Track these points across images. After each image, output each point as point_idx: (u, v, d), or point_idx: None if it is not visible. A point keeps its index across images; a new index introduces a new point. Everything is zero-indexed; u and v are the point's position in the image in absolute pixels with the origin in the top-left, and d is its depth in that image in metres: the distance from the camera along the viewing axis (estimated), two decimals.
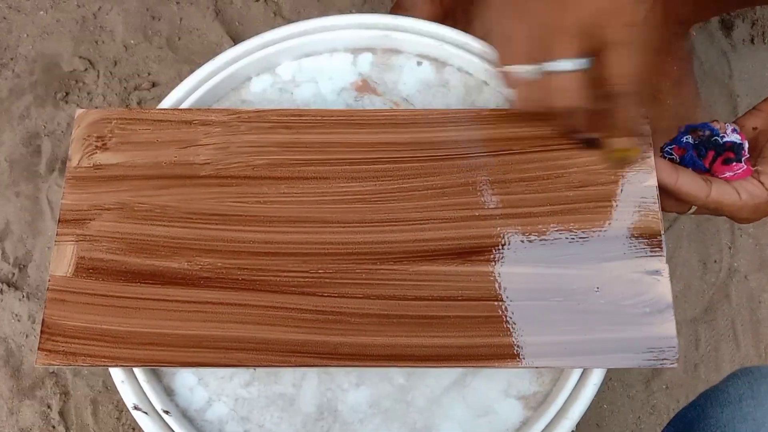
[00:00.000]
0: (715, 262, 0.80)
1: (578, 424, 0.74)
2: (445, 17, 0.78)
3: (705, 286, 0.80)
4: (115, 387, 0.77)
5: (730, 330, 0.78)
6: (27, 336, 0.79)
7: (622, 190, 0.44)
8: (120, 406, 0.77)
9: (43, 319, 0.42)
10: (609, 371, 0.76)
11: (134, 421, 0.76)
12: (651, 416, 0.76)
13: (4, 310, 0.80)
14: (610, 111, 0.41)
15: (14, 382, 0.78)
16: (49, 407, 0.77)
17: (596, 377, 0.43)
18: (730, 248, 0.81)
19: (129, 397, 0.42)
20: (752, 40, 0.89)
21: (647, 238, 0.43)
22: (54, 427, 0.77)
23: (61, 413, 0.77)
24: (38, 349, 0.41)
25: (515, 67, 0.41)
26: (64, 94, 0.86)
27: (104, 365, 0.41)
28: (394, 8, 0.80)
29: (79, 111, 0.46)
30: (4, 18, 0.90)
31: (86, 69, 0.87)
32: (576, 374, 0.43)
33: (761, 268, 0.80)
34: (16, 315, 0.80)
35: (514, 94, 0.43)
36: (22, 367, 0.79)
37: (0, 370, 0.78)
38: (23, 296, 0.80)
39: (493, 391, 0.44)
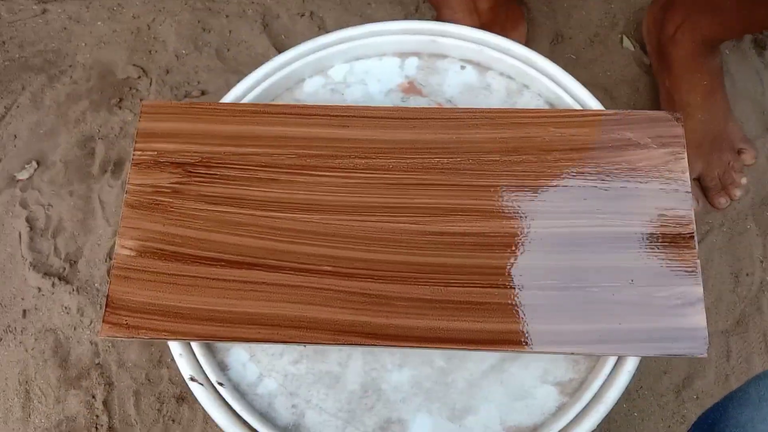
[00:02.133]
0: (747, 275, 0.81)
1: (609, 431, 0.75)
2: (486, 22, 0.81)
3: (737, 298, 0.80)
4: (157, 379, 0.80)
5: (761, 342, 0.79)
6: (75, 328, 0.83)
7: (656, 188, 0.46)
8: (161, 398, 0.80)
9: (107, 294, 0.45)
10: (640, 378, 0.77)
11: (174, 412, 0.79)
12: (681, 426, 0.76)
13: (54, 302, 0.83)
14: None
15: (61, 372, 0.81)
16: (93, 397, 0.80)
17: (630, 365, 0.44)
18: (762, 262, 0.82)
19: (186, 370, 0.45)
20: None
21: (679, 234, 0.45)
22: (97, 416, 0.80)
23: (105, 403, 0.80)
24: (102, 321, 0.44)
25: None
26: (118, 100, 0.91)
27: (164, 338, 0.44)
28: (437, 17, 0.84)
29: (144, 102, 0.50)
30: (65, 28, 0.95)
31: (139, 77, 0.92)
32: (611, 362, 0.45)
33: None
34: (66, 308, 0.83)
35: None
36: (70, 357, 0.82)
37: (49, 359, 0.82)
38: (73, 290, 0.84)
39: (530, 377, 0.46)
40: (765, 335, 0.79)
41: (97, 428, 0.79)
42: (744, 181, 0.82)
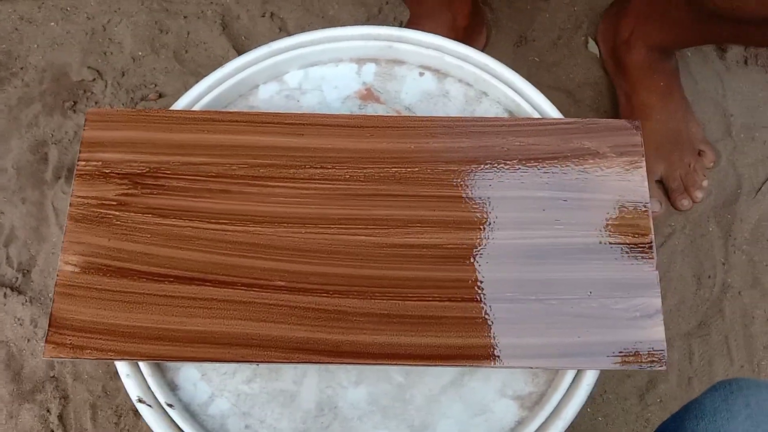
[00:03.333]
0: (709, 277, 0.82)
1: None
2: (461, 38, 0.81)
3: (699, 301, 0.81)
4: (114, 392, 0.78)
5: (723, 345, 0.79)
6: (29, 340, 0.80)
7: (614, 198, 0.46)
8: (119, 411, 0.78)
9: (51, 313, 0.43)
10: (604, 383, 0.77)
11: (132, 425, 0.77)
12: (645, 429, 0.76)
13: (6, 314, 0.81)
14: None
15: (14, 386, 0.78)
16: (48, 411, 0.78)
17: (590, 378, 0.44)
18: (723, 264, 0.82)
19: (133, 391, 0.43)
20: (745, 62, 0.91)
21: (638, 244, 0.45)
22: (53, 431, 0.77)
23: (60, 417, 0.78)
24: (45, 341, 0.42)
25: None
26: (72, 103, 0.88)
27: (110, 359, 0.42)
28: (409, 24, 0.83)
29: (89, 110, 0.48)
30: (16, 29, 0.92)
31: (94, 79, 0.89)
32: (570, 375, 0.44)
33: (754, 284, 0.81)
34: (19, 319, 0.81)
35: None
36: (23, 371, 0.79)
37: (1, 373, 0.79)
38: (26, 300, 0.81)
39: (490, 391, 0.45)
40: (727, 337, 0.79)
41: None
42: (705, 183, 0.82)
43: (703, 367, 0.78)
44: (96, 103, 0.88)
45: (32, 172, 0.86)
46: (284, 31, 0.91)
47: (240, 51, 0.90)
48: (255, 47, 0.52)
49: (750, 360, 0.79)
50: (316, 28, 0.87)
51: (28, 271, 0.83)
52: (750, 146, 0.87)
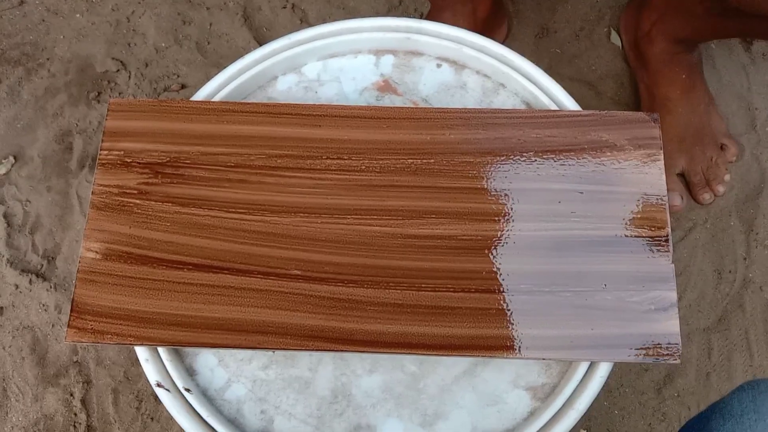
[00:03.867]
0: (730, 272, 0.81)
1: (590, 428, 0.75)
2: (480, 33, 0.81)
3: (719, 295, 0.80)
4: (136, 377, 0.79)
5: (743, 340, 0.78)
6: (53, 325, 0.82)
7: (631, 190, 0.46)
8: (140, 396, 0.79)
9: (72, 299, 0.44)
10: (621, 376, 0.77)
11: (153, 410, 0.78)
12: (662, 423, 0.76)
13: (32, 300, 0.83)
14: None
15: (39, 370, 0.80)
16: (71, 395, 0.80)
17: (603, 370, 0.44)
18: (745, 259, 0.81)
19: (152, 375, 0.44)
20: None
21: (654, 237, 0.45)
22: (76, 414, 0.79)
23: (83, 401, 0.79)
24: (68, 326, 0.43)
25: None
26: (97, 93, 0.89)
27: (130, 344, 0.43)
28: (429, 16, 0.83)
29: (112, 100, 0.49)
30: (43, 20, 0.94)
31: (118, 70, 0.90)
32: (583, 367, 0.44)
33: None
34: (44, 305, 0.82)
35: None
36: (48, 355, 0.81)
37: (26, 357, 0.81)
38: (51, 287, 0.83)
39: (503, 381, 0.45)
40: (747, 333, 0.79)
41: (75, 426, 0.79)
42: (728, 177, 0.81)
43: (722, 362, 0.78)
44: (120, 93, 0.89)
45: (57, 161, 0.87)
46: (305, 23, 0.92)
47: (261, 42, 0.90)
48: (276, 39, 0.52)
49: None
50: (337, 19, 0.87)
51: (53, 258, 0.84)
52: None
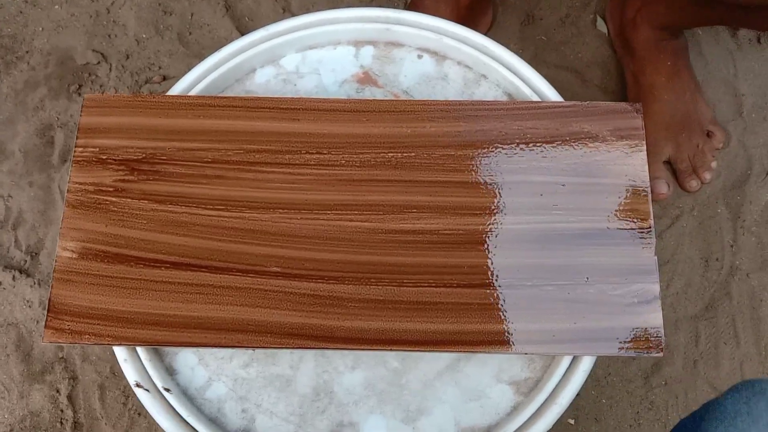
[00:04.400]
0: (717, 259, 0.81)
1: (577, 418, 0.75)
2: (462, 23, 0.80)
3: (706, 283, 0.80)
4: (122, 373, 0.79)
5: (730, 328, 0.79)
6: (38, 322, 0.81)
7: (614, 182, 0.45)
8: (127, 392, 0.79)
9: (49, 299, 0.43)
10: (608, 365, 0.77)
11: (140, 405, 0.78)
12: (650, 411, 0.76)
13: (16, 296, 0.82)
14: None
15: (24, 367, 0.80)
16: (57, 391, 0.79)
17: (586, 364, 0.44)
18: (732, 246, 0.81)
19: (131, 375, 0.44)
20: (758, 40, 0.89)
21: (637, 229, 0.44)
22: (62, 410, 0.79)
23: (70, 397, 0.79)
24: (45, 326, 0.43)
25: None
26: (77, 86, 0.88)
27: (108, 344, 0.43)
28: (410, 8, 0.82)
29: (86, 95, 0.48)
30: (21, 12, 0.92)
31: (99, 62, 0.89)
32: (566, 361, 0.44)
33: (763, 266, 0.80)
34: (28, 301, 0.82)
35: None
36: (33, 352, 0.80)
37: (11, 354, 0.80)
38: (35, 283, 0.82)
39: (485, 376, 0.45)
40: (734, 320, 0.79)
41: (62, 423, 0.78)
42: (714, 164, 0.81)
43: (709, 350, 0.78)
44: (101, 86, 0.88)
45: (39, 155, 0.86)
46: (288, 12, 0.91)
47: (244, 32, 0.89)
48: (260, 27, 0.51)
49: (757, 343, 0.78)
50: (320, 8, 0.86)
51: (36, 253, 0.83)
52: (761, 127, 0.85)
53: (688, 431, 0.44)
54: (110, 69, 0.89)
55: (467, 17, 0.81)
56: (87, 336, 0.43)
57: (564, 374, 0.44)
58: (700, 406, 0.44)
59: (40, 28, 0.91)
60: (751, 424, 0.39)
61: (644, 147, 0.46)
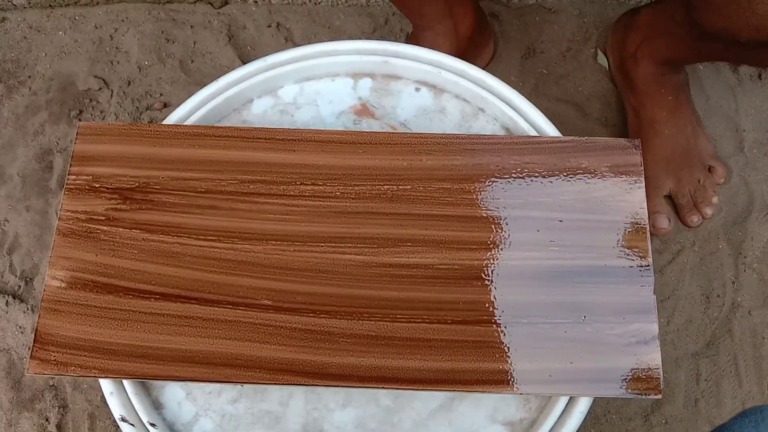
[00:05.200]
0: (719, 296, 0.80)
1: None
2: (459, 55, 0.80)
3: (707, 320, 0.79)
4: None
5: (732, 365, 0.77)
6: (30, 348, 0.80)
7: (612, 218, 0.45)
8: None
9: (36, 329, 0.43)
10: (608, 402, 0.75)
11: None
12: None
13: (8, 321, 0.81)
14: None
15: (14, 394, 0.79)
16: (47, 420, 0.78)
17: (582, 405, 0.42)
18: (733, 283, 0.80)
19: (116, 409, 0.43)
20: (759, 76, 0.89)
21: (636, 267, 0.44)
22: None
23: (59, 426, 0.77)
24: (30, 357, 0.42)
25: None
26: (78, 112, 0.88)
27: (94, 376, 0.42)
28: (409, 41, 0.82)
29: (81, 123, 0.48)
30: (25, 38, 0.92)
31: (100, 88, 0.89)
32: (562, 402, 0.43)
33: (765, 303, 0.79)
34: (20, 327, 0.81)
35: None
36: (23, 379, 0.79)
37: (1, 381, 0.79)
38: (28, 309, 0.81)
39: (480, 416, 0.44)
40: (735, 358, 0.77)
41: None
42: (716, 199, 0.81)
43: (711, 388, 0.76)
44: (101, 112, 0.88)
45: (37, 180, 0.86)
46: (290, 42, 0.91)
47: (245, 61, 0.89)
48: (262, 57, 0.51)
49: (759, 382, 0.76)
50: (322, 39, 0.86)
51: (30, 279, 0.83)
52: (762, 162, 0.85)
53: None
54: (111, 95, 0.89)
55: (468, 49, 0.81)
56: (73, 368, 0.42)
57: (560, 415, 0.42)
58: None
59: (44, 54, 0.92)
60: None
61: (643, 183, 0.46)
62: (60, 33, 0.93)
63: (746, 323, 0.79)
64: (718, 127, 0.86)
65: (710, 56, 0.68)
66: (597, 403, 0.76)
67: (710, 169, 0.81)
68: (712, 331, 0.79)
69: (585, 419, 0.43)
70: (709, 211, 0.80)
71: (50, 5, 0.93)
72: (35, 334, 0.42)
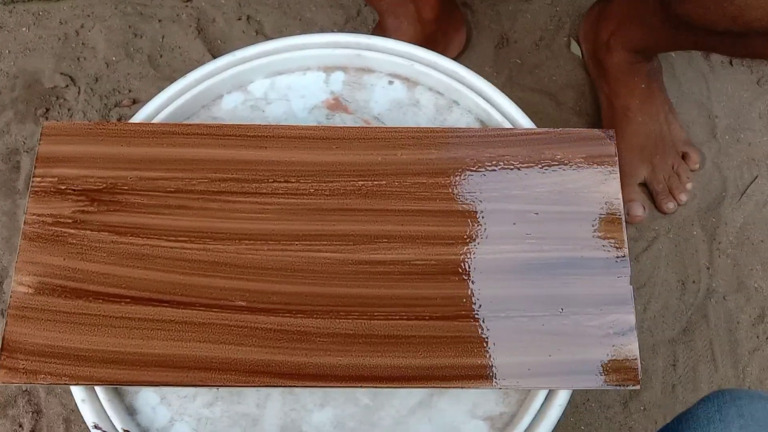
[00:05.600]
0: (694, 282, 0.80)
1: None
2: (427, 41, 0.79)
3: (683, 306, 0.80)
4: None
5: (708, 350, 0.78)
6: None
7: (587, 209, 0.45)
8: None
9: (3, 337, 0.41)
10: (587, 391, 0.75)
11: None
12: None
13: None
14: None
15: None
16: (20, 426, 0.76)
17: (562, 398, 0.42)
18: (708, 269, 0.81)
19: (89, 416, 0.42)
20: (731, 62, 0.90)
21: (612, 259, 0.43)
22: None
23: None
24: None
25: None
26: (45, 110, 0.86)
27: (65, 384, 0.41)
28: (376, 30, 0.81)
29: (45, 123, 0.46)
30: None
31: (67, 85, 0.87)
32: (542, 395, 0.43)
33: (739, 288, 0.80)
34: None
35: None
36: None
37: None
38: None
39: (460, 412, 0.43)
40: (711, 343, 0.78)
41: None
42: (690, 186, 0.81)
43: (688, 374, 0.77)
44: (69, 110, 0.86)
45: (4, 181, 0.84)
46: (261, 35, 0.90)
47: (216, 55, 0.88)
48: (232, 50, 0.50)
49: (735, 365, 0.77)
50: (294, 31, 0.85)
51: (0, 283, 0.81)
52: (735, 148, 0.86)
53: None
54: (79, 92, 0.87)
55: (436, 35, 0.80)
56: (43, 376, 0.41)
57: (540, 408, 0.42)
58: (673, 419, 0.44)
59: (7, 51, 0.89)
60: (723, 430, 0.39)
61: (617, 173, 0.46)
62: (23, 29, 0.90)
63: (721, 308, 0.79)
64: (690, 113, 0.87)
65: (684, 45, 0.68)
66: (576, 392, 0.76)
67: (684, 156, 0.81)
68: (688, 317, 0.79)
69: (570, 400, 0.43)
70: (684, 198, 0.81)
71: (12, 0, 0.91)
72: (2, 343, 0.41)
